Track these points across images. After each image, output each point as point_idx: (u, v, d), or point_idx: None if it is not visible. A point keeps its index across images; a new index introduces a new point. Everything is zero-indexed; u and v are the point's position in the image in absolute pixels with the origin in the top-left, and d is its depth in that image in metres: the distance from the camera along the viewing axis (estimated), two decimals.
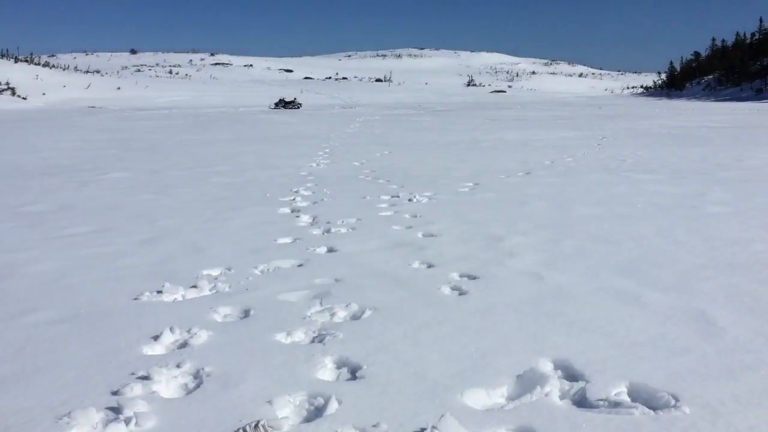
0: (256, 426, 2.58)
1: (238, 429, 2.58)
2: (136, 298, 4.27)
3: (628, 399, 2.81)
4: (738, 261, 5.00)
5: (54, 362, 3.23)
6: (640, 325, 3.63)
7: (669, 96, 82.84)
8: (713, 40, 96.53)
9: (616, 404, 2.74)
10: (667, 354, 3.23)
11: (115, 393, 2.90)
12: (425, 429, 2.57)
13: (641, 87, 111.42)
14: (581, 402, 2.80)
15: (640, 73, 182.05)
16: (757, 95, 68.65)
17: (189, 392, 2.96)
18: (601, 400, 2.79)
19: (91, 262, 5.19)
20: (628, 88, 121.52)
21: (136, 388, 2.92)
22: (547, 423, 2.62)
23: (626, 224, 6.39)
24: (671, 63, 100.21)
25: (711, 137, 17.97)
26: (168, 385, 3.01)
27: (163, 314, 3.95)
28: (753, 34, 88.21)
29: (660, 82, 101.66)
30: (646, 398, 2.80)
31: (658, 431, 2.53)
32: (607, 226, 6.32)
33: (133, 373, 3.09)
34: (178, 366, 3.17)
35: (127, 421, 2.65)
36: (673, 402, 2.73)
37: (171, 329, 3.64)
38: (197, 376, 3.09)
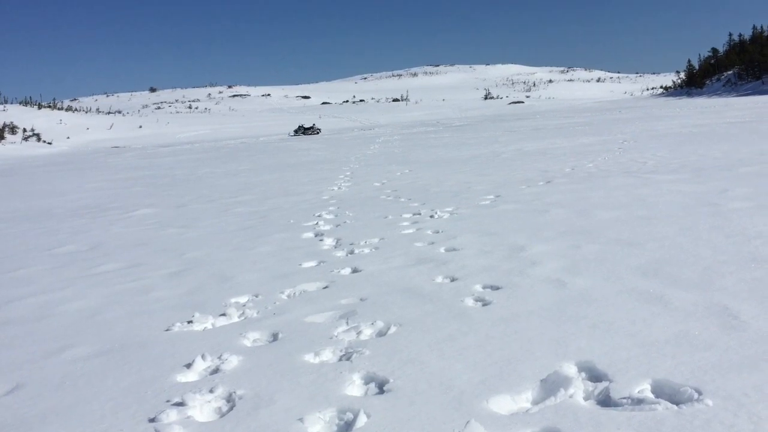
0: None
1: None
2: (167, 329, 4.38)
3: (651, 396, 2.84)
4: (761, 255, 4.99)
5: (92, 395, 3.34)
6: (663, 324, 3.66)
7: (689, 95, 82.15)
8: (730, 35, 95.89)
9: (639, 401, 2.78)
10: (689, 350, 3.25)
11: (152, 420, 2.99)
12: None
13: (661, 87, 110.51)
14: (605, 401, 2.84)
15: (658, 73, 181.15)
16: None
17: (222, 415, 3.05)
18: (625, 398, 2.83)
19: (123, 298, 5.33)
20: (647, 89, 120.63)
21: (172, 414, 3.02)
22: (572, 423, 2.66)
23: (648, 225, 6.39)
24: (689, 61, 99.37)
25: (732, 133, 17.84)
26: (202, 409, 3.11)
27: (194, 343, 4.06)
28: None
29: (679, 81, 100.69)
30: (669, 394, 2.83)
31: (681, 424, 2.56)
32: (629, 228, 6.33)
33: (168, 400, 3.19)
34: (211, 391, 3.26)
35: None
36: (696, 396, 2.76)
37: (203, 356, 3.74)
38: (230, 399, 3.18)
